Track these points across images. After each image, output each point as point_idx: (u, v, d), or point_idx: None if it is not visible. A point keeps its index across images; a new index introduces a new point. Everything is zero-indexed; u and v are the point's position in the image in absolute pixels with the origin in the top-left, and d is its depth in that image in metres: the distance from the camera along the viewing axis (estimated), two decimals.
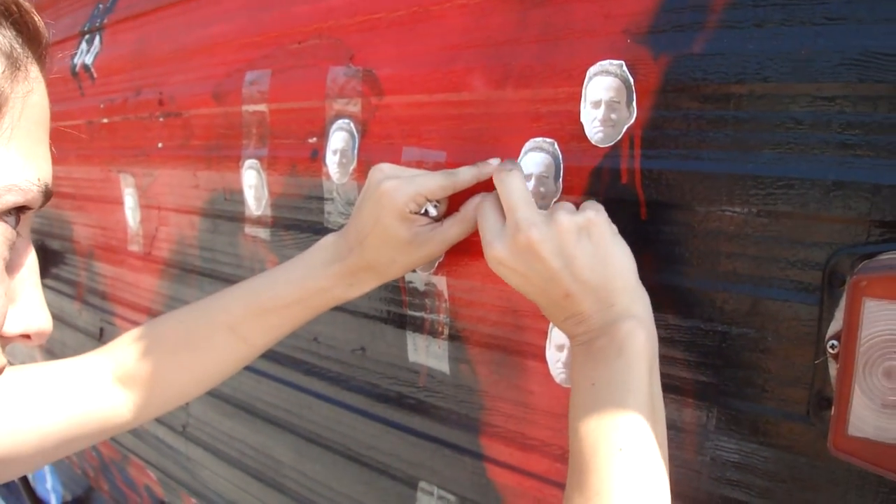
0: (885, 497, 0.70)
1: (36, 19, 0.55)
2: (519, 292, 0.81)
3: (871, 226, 0.66)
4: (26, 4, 0.54)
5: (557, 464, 0.94)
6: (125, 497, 2.28)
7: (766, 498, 0.77)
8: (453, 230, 0.89)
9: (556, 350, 0.91)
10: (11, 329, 0.57)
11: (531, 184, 0.88)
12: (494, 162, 0.88)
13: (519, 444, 0.98)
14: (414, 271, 1.05)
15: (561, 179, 0.87)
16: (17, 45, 0.53)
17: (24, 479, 2.57)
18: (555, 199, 0.88)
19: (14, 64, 0.53)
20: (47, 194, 0.56)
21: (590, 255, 0.75)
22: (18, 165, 0.53)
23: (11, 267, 0.57)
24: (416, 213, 0.88)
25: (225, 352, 0.97)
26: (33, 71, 0.55)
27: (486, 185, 0.86)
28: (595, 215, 0.76)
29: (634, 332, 0.73)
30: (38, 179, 0.55)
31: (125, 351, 0.96)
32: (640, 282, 0.77)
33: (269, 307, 0.95)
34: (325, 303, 0.95)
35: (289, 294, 0.95)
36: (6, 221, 0.54)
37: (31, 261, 0.59)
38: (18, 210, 0.54)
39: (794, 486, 0.75)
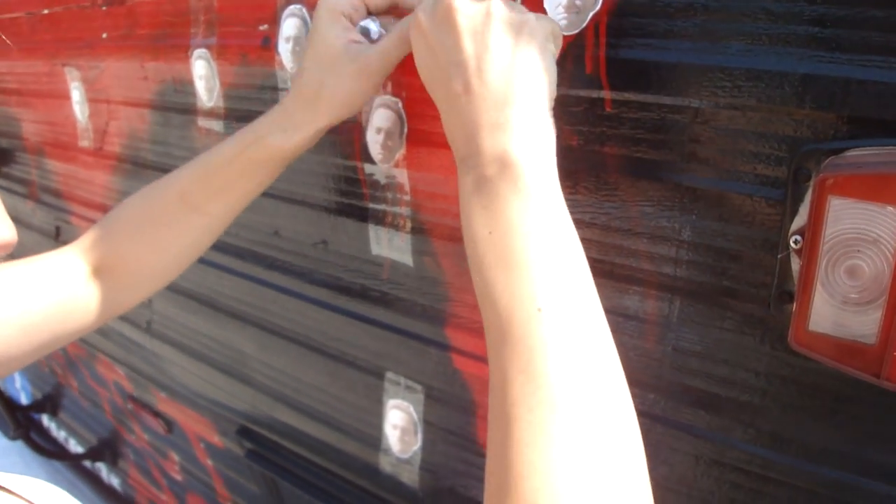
0: (837, 389, 0.71)
1: None
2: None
3: (840, 122, 0.65)
4: None
5: None
6: (95, 393, 2.29)
7: (726, 386, 0.78)
8: (392, 42, 0.81)
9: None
10: None
11: None
12: None
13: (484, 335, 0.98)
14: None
15: None
16: None
17: None
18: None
19: None
20: None
21: (506, 55, 0.66)
22: None
23: None
24: (352, 20, 0.83)
25: (181, 224, 0.94)
26: None
27: None
28: (535, 21, 0.68)
29: (531, 162, 0.63)
30: None
31: (92, 241, 0.94)
32: (550, 112, 0.68)
33: (211, 168, 0.92)
34: (263, 154, 0.88)
35: (231, 149, 0.90)
36: None
37: None
38: None
39: (753, 376, 0.76)
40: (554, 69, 0.69)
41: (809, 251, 0.64)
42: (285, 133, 0.87)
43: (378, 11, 0.85)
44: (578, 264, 0.61)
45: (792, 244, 0.68)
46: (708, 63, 0.70)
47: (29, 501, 0.58)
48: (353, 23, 0.84)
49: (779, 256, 0.70)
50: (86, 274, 0.92)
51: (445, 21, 0.68)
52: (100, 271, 0.93)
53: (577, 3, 0.78)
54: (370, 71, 0.82)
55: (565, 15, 0.79)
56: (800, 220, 0.67)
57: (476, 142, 0.66)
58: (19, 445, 2.74)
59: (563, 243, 0.62)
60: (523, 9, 0.70)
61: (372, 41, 0.84)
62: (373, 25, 0.84)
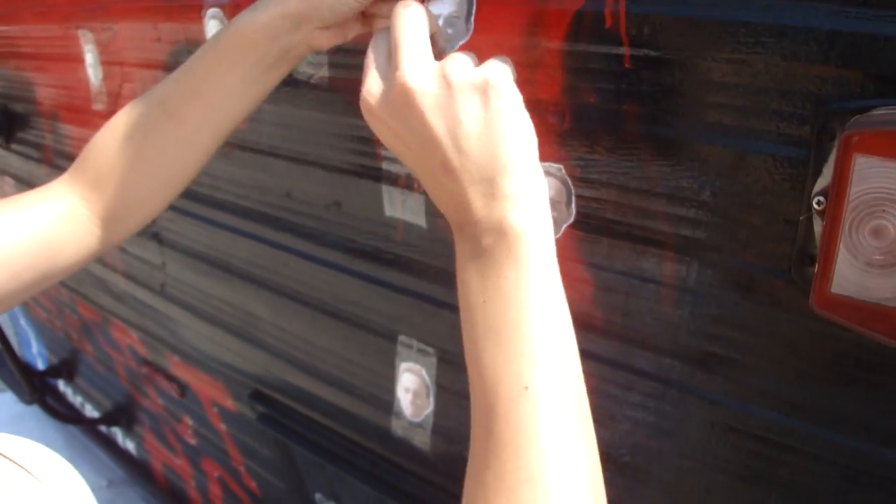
0: (858, 356, 0.70)
1: None
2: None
3: (866, 79, 0.63)
4: None
5: None
6: (109, 357, 2.30)
7: (744, 352, 0.77)
8: None
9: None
10: None
11: (438, 23, 0.81)
12: None
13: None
14: None
15: (473, 20, 0.82)
16: None
17: (9, 347, 2.58)
18: (462, 41, 0.83)
19: None
20: None
21: (480, 123, 0.63)
22: None
23: None
24: None
25: (160, 134, 0.87)
26: None
27: None
28: (496, 76, 0.64)
29: (529, 232, 0.62)
30: None
31: (81, 167, 0.89)
32: (538, 165, 0.65)
33: (187, 66, 0.85)
34: (230, 40, 0.82)
35: (203, 45, 0.84)
36: None
37: None
38: None
39: (772, 341, 0.74)
40: (528, 118, 0.66)
41: (833, 212, 0.62)
42: (252, 12, 0.81)
43: None
44: (568, 342, 0.62)
45: (814, 205, 0.66)
46: (731, 18, 0.68)
47: (23, 467, 0.58)
48: None
49: (801, 218, 0.68)
50: (72, 204, 0.88)
51: (404, 104, 0.65)
52: (86, 197, 0.88)
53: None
54: None
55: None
56: (823, 180, 0.65)
57: (470, 212, 0.64)
58: (35, 410, 2.77)
59: (554, 320, 0.62)
60: (474, 57, 0.68)
61: None
62: None
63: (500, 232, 0.62)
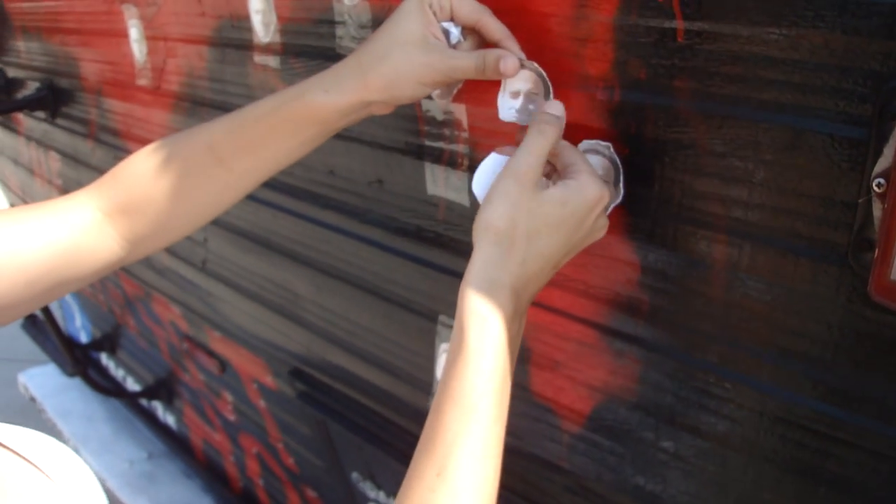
0: None
1: None
2: None
3: None
4: None
5: (580, 299, 0.91)
6: (151, 332, 2.32)
7: (796, 339, 0.74)
8: (463, 56, 0.83)
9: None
10: None
11: (519, 101, 0.86)
12: (527, 65, 0.83)
13: None
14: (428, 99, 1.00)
15: (551, 97, 0.83)
16: None
17: (52, 320, 2.61)
18: None
19: None
20: None
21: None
22: None
23: None
24: (436, 15, 0.83)
25: (205, 176, 0.91)
26: None
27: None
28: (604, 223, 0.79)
29: (483, 334, 0.71)
30: None
31: (109, 183, 0.91)
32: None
33: (244, 120, 0.89)
34: (298, 111, 0.87)
35: (267, 104, 0.88)
36: None
37: None
38: None
39: (825, 329, 0.72)
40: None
41: (894, 195, 0.60)
42: (326, 94, 0.85)
43: (462, 21, 0.84)
44: (492, 432, 0.70)
45: (874, 187, 0.63)
46: None
47: (34, 464, 0.57)
48: (437, 19, 0.83)
49: (859, 201, 0.65)
50: (96, 219, 0.89)
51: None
52: (113, 216, 0.90)
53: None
54: (437, 69, 0.83)
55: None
56: (884, 161, 0.62)
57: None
58: (78, 382, 2.81)
59: (488, 410, 0.70)
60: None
61: (450, 44, 0.84)
62: (454, 29, 0.84)
63: (459, 323, 0.72)
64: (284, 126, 0.88)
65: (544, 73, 0.83)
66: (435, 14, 0.83)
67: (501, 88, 0.87)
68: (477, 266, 0.74)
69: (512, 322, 0.73)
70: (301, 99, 0.86)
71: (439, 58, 0.82)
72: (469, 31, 0.86)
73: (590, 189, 0.75)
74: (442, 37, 0.84)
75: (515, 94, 0.87)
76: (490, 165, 0.79)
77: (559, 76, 0.84)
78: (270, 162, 0.91)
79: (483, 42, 0.86)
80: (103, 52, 1.86)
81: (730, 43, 0.70)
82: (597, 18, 0.79)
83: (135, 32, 1.67)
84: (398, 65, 0.83)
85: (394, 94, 0.85)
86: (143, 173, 0.90)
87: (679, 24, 0.73)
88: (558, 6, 0.82)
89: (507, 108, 0.87)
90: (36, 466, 0.57)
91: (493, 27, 0.84)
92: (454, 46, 0.85)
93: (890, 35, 0.61)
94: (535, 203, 0.74)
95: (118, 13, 1.70)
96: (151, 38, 1.63)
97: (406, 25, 0.82)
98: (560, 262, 0.77)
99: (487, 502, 0.68)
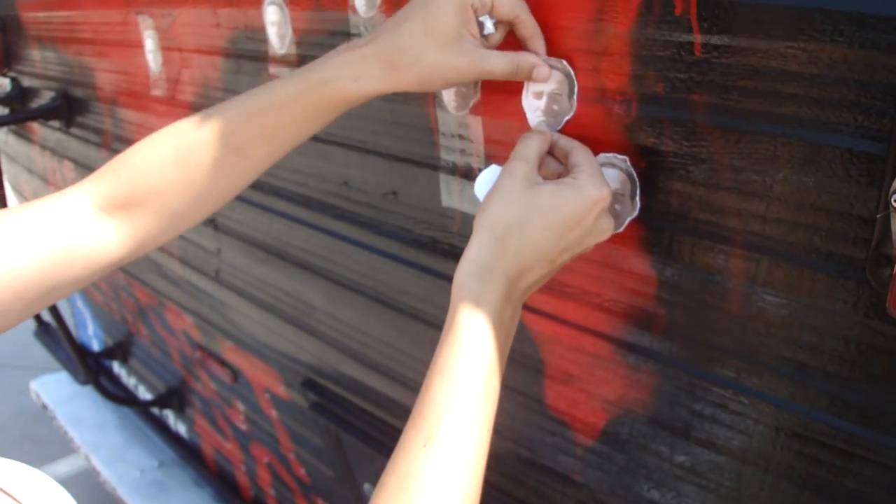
0: None
1: None
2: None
3: None
4: None
5: (595, 312, 0.91)
6: (164, 341, 2.33)
7: (814, 354, 0.74)
8: (497, 60, 0.83)
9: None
10: None
11: (543, 101, 0.86)
12: (555, 65, 0.84)
13: (555, 292, 0.95)
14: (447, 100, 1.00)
15: (575, 98, 0.83)
16: None
17: (65, 327, 2.62)
18: (567, 117, 0.84)
19: None
20: None
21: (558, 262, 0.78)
22: None
23: None
24: (476, 12, 0.82)
25: (219, 165, 0.85)
26: None
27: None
28: (607, 225, 0.80)
29: (474, 312, 0.73)
30: None
31: (110, 178, 0.85)
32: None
33: (264, 107, 0.85)
34: (326, 99, 0.84)
35: (286, 90, 0.85)
36: None
37: None
38: None
39: (843, 344, 0.72)
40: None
41: None
42: (357, 82, 0.83)
43: (501, 17, 0.84)
44: (479, 410, 0.71)
45: (893, 203, 0.63)
46: (807, 5, 0.65)
47: (9, 493, 0.57)
48: (476, 14, 0.83)
49: (878, 216, 0.65)
50: (93, 218, 0.84)
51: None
52: (112, 213, 0.84)
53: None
54: (469, 73, 0.83)
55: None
56: None
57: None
58: (89, 390, 2.81)
59: (474, 387, 0.71)
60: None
61: (482, 35, 0.84)
62: (488, 22, 0.84)
63: (451, 307, 0.75)
64: (307, 112, 0.85)
65: (571, 72, 0.83)
66: (476, 10, 0.82)
67: (525, 89, 0.88)
68: (472, 251, 0.76)
69: (504, 306, 0.75)
70: (328, 86, 0.84)
71: (473, 61, 0.82)
72: (501, 22, 0.85)
73: (589, 187, 0.76)
74: (477, 32, 0.83)
75: (539, 95, 0.87)
76: (491, 173, 0.82)
77: (579, 93, 0.84)
78: (288, 146, 0.89)
79: (511, 34, 0.86)
80: (118, 62, 1.87)
81: (747, 57, 0.70)
82: (614, 32, 0.79)
83: (150, 43, 1.68)
84: (433, 67, 0.82)
85: (423, 88, 0.85)
86: (148, 165, 0.85)
87: (696, 37, 0.73)
88: (575, 20, 0.82)
89: (532, 109, 0.88)
90: (17, 501, 0.57)
91: (529, 24, 0.84)
92: (485, 37, 0.85)
93: None
94: (529, 195, 0.76)
95: (134, 23, 1.71)
96: (166, 48, 1.63)
97: (443, 20, 0.81)
98: (558, 260, 0.78)
99: (473, 476, 0.69)
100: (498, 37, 0.86)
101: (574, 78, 0.83)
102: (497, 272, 0.75)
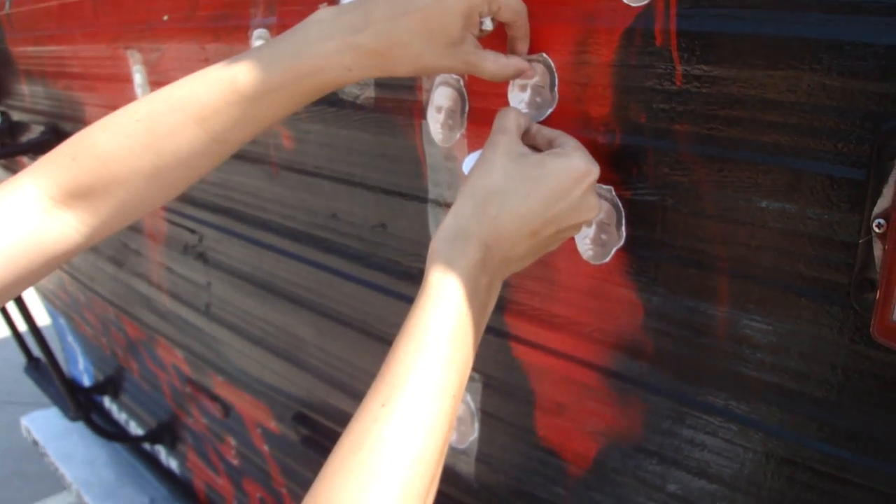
0: None
1: None
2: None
3: None
4: None
5: (584, 342, 0.91)
6: (155, 376, 2.31)
7: (800, 380, 0.74)
8: (490, 65, 0.83)
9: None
10: None
11: (527, 94, 0.86)
12: (537, 60, 0.85)
13: (544, 323, 0.95)
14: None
15: (556, 90, 0.84)
16: None
17: (55, 363, 2.60)
18: (550, 110, 0.85)
19: None
20: None
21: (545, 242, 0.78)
22: None
23: None
24: (480, 14, 0.81)
25: (192, 150, 0.80)
26: None
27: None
28: (594, 202, 0.79)
29: (445, 275, 0.72)
30: None
31: (66, 165, 0.79)
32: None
33: (248, 94, 0.79)
34: (313, 89, 0.81)
35: (273, 78, 0.79)
36: None
37: None
38: None
39: (829, 370, 0.72)
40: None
41: (894, 235, 0.60)
42: (349, 72, 0.81)
43: (502, 20, 0.84)
44: (444, 376, 0.69)
45: (874, 228, 0.63)
46: (785, 34, 0.66)
47: None
48: (480, 16, 0.82)
49: (860, 241, 0.65)
50: (45, 208, 0.78)
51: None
52: (68, 202, 0.79)
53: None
54: (457, 70, 0.84)
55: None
56: (883, 201, 0.62)
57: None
58: (80, 426, 2.79)
59: (440, 352, 0.69)
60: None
61: (480, 30, 0.84)
62: (488, 22, 0.84)
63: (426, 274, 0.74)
64: (294, 99, 0.82)
65: (552, 63, 0.84)
66: (480, 13, 0.81)
67: (510, 82, 0.89)
68: (450, 217, 0.75)
69: (479, 272, 0.74)
70: (322, 75, 0.80)
71: (467, 63, 0.83)
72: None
73: (575, 159, 0.76)
74: (477, 31, 0.83)
75: (523, 88, 0.88)
76: (479, 153, 0.82)
77: (561, 120, 0.85)
78: (267, 129, 0.86)
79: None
80: (107, 96, 1.88)
81: (728, 86, 0.71)
82: (596, 62, 0.80)
83: (139, 77, 1.69)
84: (428, 65, 0.82)
85: (411, 76, 0.87)
86: (109, 151, 0.79)
87: (677, 68, 0.73)
88: (559, 53, 0.83)
89: (517, 102, 0.89)
90: None
91: (523, 28, 0.84)
92: (481, 31, 0.84)
93: (886, 76, 0.61)
94: (513, 163, 0.76)
95: (122, 58, 1.72)
96: (155, 83, 1.64)
97: (448, 25, 0.79)
98: (542, 232, 0.76)
99: (432, 441, 0.66)
100: (490, 30, 0.85)
101: (555, 70, 0.84)
102: (472, 236, 0.74)
